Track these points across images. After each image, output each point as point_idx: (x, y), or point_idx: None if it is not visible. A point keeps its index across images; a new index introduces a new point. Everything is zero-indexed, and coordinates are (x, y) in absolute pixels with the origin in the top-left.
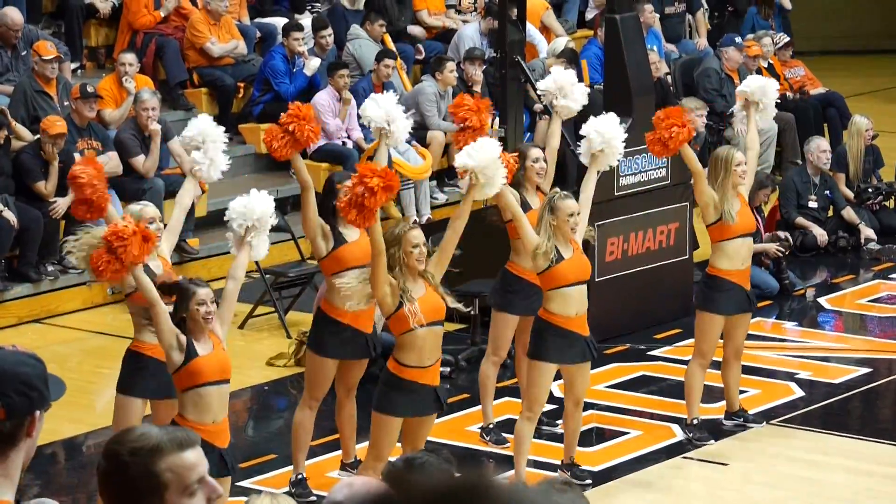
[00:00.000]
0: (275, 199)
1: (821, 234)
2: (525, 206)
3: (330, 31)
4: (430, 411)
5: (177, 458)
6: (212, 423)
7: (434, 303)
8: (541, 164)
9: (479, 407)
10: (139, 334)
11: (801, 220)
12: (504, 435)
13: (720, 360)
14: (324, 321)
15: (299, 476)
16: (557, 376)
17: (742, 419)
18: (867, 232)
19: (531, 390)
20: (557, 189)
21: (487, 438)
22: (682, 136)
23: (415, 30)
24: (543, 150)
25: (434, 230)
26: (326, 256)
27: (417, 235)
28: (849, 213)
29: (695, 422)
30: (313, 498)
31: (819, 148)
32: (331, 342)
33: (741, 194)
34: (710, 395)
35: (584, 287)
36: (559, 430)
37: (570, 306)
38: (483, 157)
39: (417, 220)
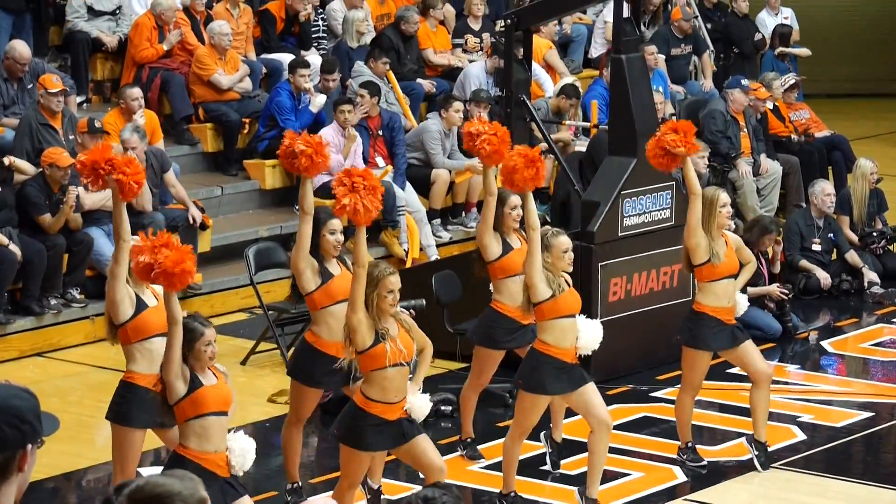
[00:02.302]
0: (279, 235)
1: (824, 278)
2: (507, 248)
3: (337, 75)
4: (397, 444)
5: None
6: (213, 452)
7: (405, 344)
8: (518, 211)
9: (480, 446)
10: (132, 365)
11: (804, 262)
12: (479, 449)
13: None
14: (308, 352)
15: (294, 485)
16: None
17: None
18: (870, 276)
19: (523, 421)
20: (549, 227)
21: (463, 452)
22: (688, 148)
23: (425, 84)
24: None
25: (439, 268)
26: (317, 290)
27: (395, 281)
28: (852, 256)
29: (688, 444)
30: None
31: (823, 191)
32: (317, 372)
33: (726, 236)
34: (714, 437)
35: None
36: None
37: (566, 338)
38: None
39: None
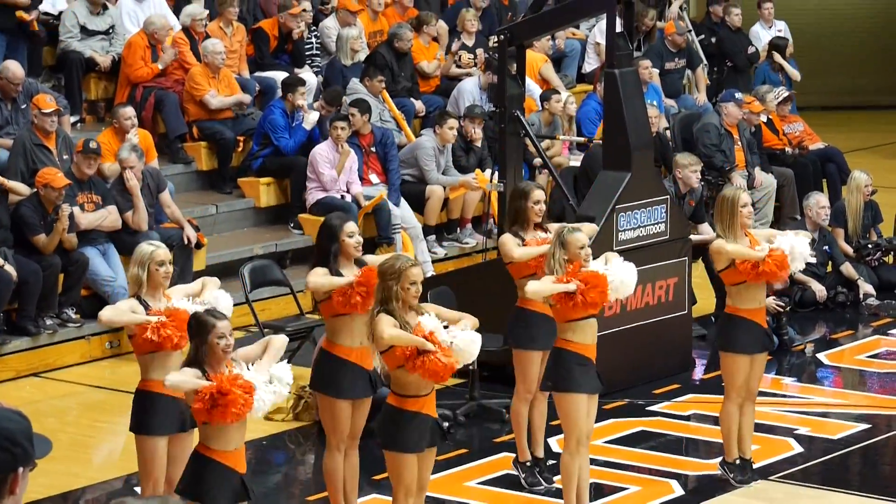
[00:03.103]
0: (273, 253)
1: (819, 290)
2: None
3: (336, 108)
4: (434, 443)
5: None
6: (234, 449)
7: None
8: (541, 205)
9: (477, 462)
10: (146, 374)
11: (799, 275)
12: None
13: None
14: (327, 360)
15: None
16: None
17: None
18: (866, 287)
19: (569, 423)
20: (565, 224)
21: (522, 477)
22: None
23: (416, 103)
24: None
25: (435, 284)
26: (329, 298)
27: (418, 273)
28: (847, 268)
29: (736, 461)
30: None
31: (818, 204)
32: (343, 382)
33: (751, 234)
34: (710, 450)
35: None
36: (557, 485)
37: (588, 335)
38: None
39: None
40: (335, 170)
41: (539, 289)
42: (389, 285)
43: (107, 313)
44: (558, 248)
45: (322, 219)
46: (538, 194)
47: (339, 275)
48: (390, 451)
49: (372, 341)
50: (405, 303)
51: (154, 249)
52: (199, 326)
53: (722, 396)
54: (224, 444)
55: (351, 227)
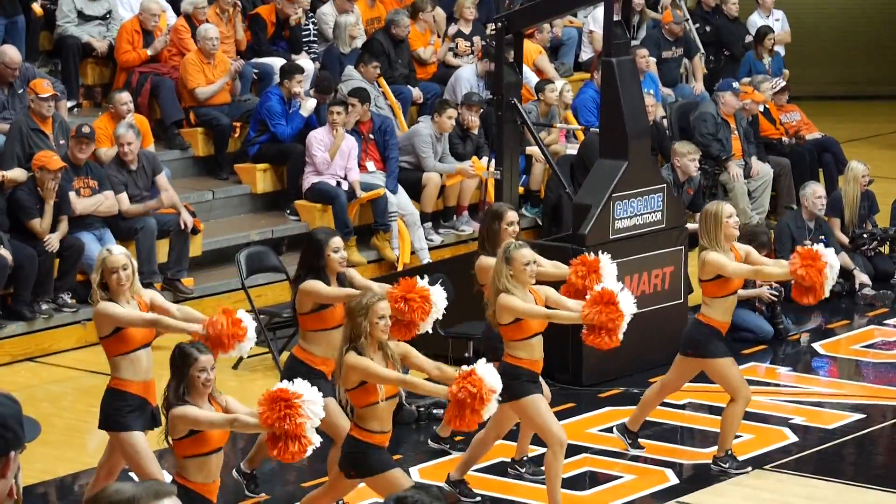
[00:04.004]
0: (270, 239)
1: None
2: None
3: (332, 96)
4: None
5: None
6: (212, 482)
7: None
8: (514, 227)
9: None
10: (117, 373)
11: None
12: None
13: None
14: (299, 368)
15: None
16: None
17: (727, 465)
18: (861, 277)
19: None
20: (511, 240)
21: (523, 471)
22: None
23: (413, 90)
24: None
25: (431, 271)
26: (310, 313)
27: (385, 307)
28: (843, 258)
29: (727, 452)
30: None
31: (815, 194)
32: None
33: (734, 247)
34: (705, 439)
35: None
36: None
37: (535, 353)
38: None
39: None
40: (328, 153)
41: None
42: (358, 322)
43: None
44: (503, 263)
45: (314, 204)
46: (511, 215)
47: None
48: (372, 478)
49: (341, 379)
50: (374, 338)
51: (106, 256)
52: (183, 358)
53: (717, 385)
54: (203, 478)
55: (336, 242)
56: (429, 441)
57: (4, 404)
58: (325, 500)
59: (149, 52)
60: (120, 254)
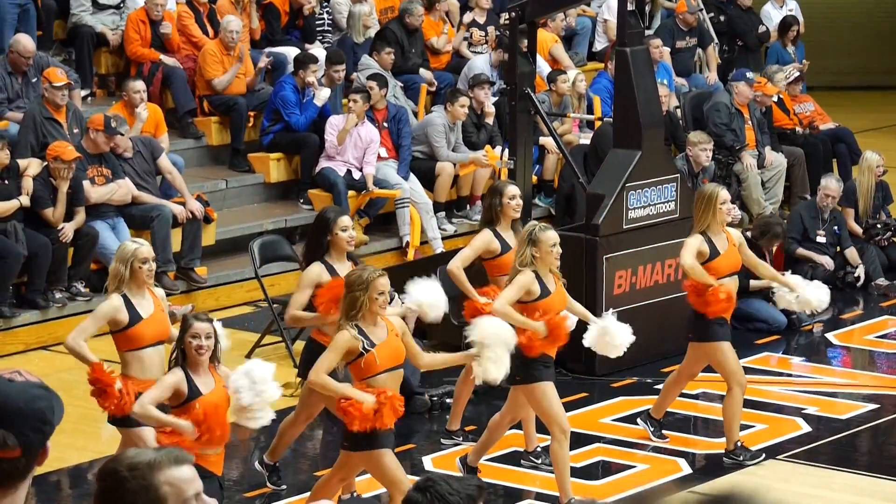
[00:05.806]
0: (283, 229)
1: (827, 262)
2: (503, 244)
3: (343, 66)
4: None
5: (174, 472)
6: (213, 454)
7: (395, 348)
8: (517, 200)
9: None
10: (125, 369)
11: (801, 251)
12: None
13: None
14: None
15: (276, 464)
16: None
17: (742, 457)
18: (862, 272)
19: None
20: (535, 221)
21: (538, 462)
22: None
23: (426, 74)
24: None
25: (444, 261)
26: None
27: (384, 283)
28: (851, 252)
29: (737, 443)
30: None
31: (824, 188)
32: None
33: (727, 231)
34: (717, 428)
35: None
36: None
37: None
38: (494, 335)
39: (406, 249)
40: (336, 139)
41: (507, 314)
42: (357, 296)
43: (136, 409)
44: (527, 246)
45: (319, 191)
46: (512, 190)
47: (332, 269)
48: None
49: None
50: (372, 313)
51: (138, 247)
52: (182, 325)
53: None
54: (203, 449)
55: (345, 221)
56: (441, 440)
57: (42, 397)
58: (333, 481)
59: (160, 55)
60: (149, 246)
